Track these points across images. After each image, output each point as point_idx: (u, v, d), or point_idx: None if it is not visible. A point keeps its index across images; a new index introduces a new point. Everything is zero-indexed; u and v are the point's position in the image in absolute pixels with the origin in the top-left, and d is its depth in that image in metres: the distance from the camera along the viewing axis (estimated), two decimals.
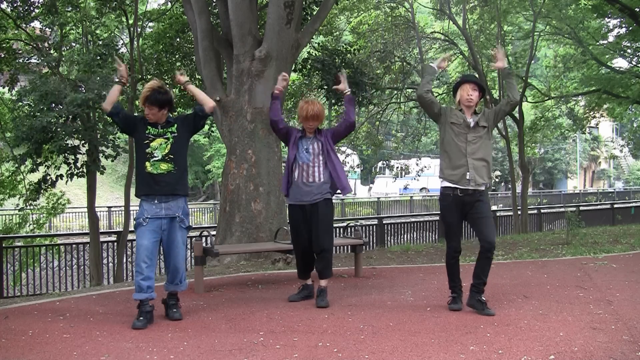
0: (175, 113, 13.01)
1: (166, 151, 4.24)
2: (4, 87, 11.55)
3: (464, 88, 4.44)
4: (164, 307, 4.41)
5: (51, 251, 9.95)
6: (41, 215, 13.94)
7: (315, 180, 4.74)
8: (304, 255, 4.88)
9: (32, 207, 11.81)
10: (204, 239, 6.14)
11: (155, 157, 4.23)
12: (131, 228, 13.63)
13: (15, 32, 11.78)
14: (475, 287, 4.38)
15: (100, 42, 10.47)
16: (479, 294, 4.36)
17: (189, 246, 9.89)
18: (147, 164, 4.22)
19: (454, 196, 4.39)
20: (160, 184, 4.21)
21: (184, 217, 4.33)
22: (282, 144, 9.64)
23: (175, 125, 4.34)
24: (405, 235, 12.94)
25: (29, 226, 13.95)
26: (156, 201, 4.23)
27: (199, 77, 10.91)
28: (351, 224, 8.85)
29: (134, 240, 10.49)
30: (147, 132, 4.27)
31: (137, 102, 11.70)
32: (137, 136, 4.32)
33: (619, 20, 14.85)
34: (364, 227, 11.75)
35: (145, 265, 4.17)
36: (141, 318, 4.13)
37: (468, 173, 4.32)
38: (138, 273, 4.19)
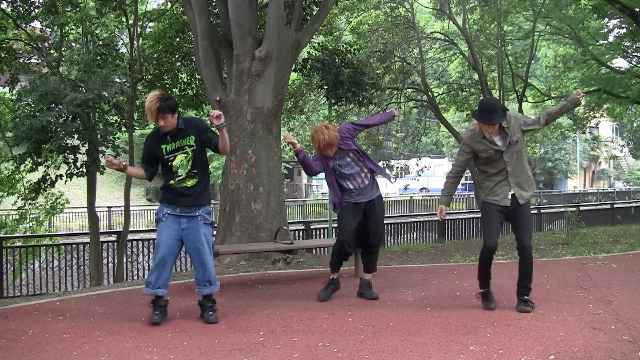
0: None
1: (189, 168, 4.21)
2: (4, 87, 11.55)
3: (485, 127, 4.26)
4: (200, 309, 4.34)
5: (51, 251, 9.95)
6: (40, 213, 13.93)
7: (366, 183, 4.91)
8: (343, 248, 4.90)
9: (31, 206, 11.80)
10: None
11: (180, 176, 4.21)
12: (131, 228, 13.67)
13: (15, 32, 11.77)
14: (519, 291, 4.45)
15: (100, 42, 10.46)
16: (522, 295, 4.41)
17: None
18: (172, 181, 4.23)
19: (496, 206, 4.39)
20: (185, 196, 4.21)
21: (206, 214, 4.29)
22: (282, 144, 9.65)
23: (193, 138, 4.22)
24: (405, 235, 12.94)
25: (27, 223, 13.93)
26: (178, 210, 4.23)
27: (199, 77, 10.92)
28: None
29: (134, 240, 10.55)
30: (165, 152, 4.21)
31: (137, 103, 11.71)
32: (159, 158, 4.27)
33: (619, 20, 14.85)
34: None
35: (159, 261, 4.17)
36: (157, 312, 4.18)
37: (511, 193, 4.33)
38: (153, 269, 4.21)
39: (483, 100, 4.36)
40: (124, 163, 4.29)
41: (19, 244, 10.94)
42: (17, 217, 13.60)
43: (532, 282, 4.42)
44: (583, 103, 19.93)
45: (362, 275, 5.09)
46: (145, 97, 13.05)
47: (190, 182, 4.22)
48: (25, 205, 11.39)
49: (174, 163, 4.21)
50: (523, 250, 4.37)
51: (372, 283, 5.05)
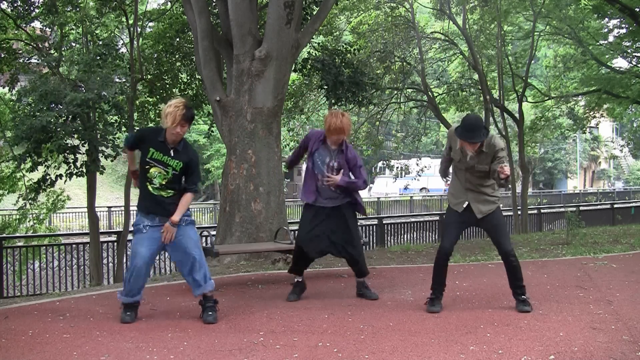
0: None
1: (164, 182, 4.19)
2: (4, 87, 11.55)
3: (466, 144, 4.21)
4: (200, 309, 4.34)
5: (51, 251, 9.95)
6: (41, 212, 13.94)
7: (333, 189, 4.80)
8: (301, 253, 4.87)
9: (32, 205, 11.81)
10: (204, 239, 6.13)
11: (154, 184, 4.20)
12: (131, 228, 13.66)
13: (15, 32, 11.78)
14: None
15: (100, 42, 10.47)
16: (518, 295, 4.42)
17: None
18: (148, 185, 4.21)
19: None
20: (162, 205, 4.20)
21: (185, 217, 4.27)
22: (282, 144, 9.64)
23: (180, 165, 4.19)
24: (405, 235, 12.94)
25: (28, 222, 13.94)
26: (157, 220, 4.22)
27: (199, 77, 10.92)
28: None
29: None
30: (149, 155, 4.18)
31: (137, 103, 11.72)
32: (142, 154, 4.25)
33: (619, 20, 14.85)
34: (364, 227, 11.75)
35: (137, 272, 4.18)
36: (129, 313, 4.26)
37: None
38: (129, 279, 4.22)
39: (466, 117, 4.21)
40: (134, 174, 4.36)
41: (20, 244, 10.95)
42: (19, 216, 13.62)
43: (532, 282, 4.42)
44: (583, 103, 19.97)
45: (356, 278, 5.04)
46: (146, 97, 13.04)
47: (165, 193, 4.21)
48: (25, 205, 11.39)
49: (151, 170, 4.18)
50: (506, 255, 4.36)
51: (367, 283, 5.02)
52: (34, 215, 13.89)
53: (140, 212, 4.26)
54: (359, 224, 6.83)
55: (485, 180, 4.34)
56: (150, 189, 4.20)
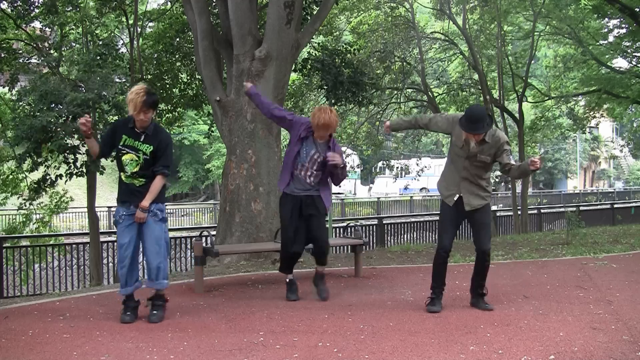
0: (176, 113, 13.07)
1: (135, 170, 4.24)
2: (4, 87, 11.56)
3: (470, 135, 4.21)
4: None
5: (52, 251, 9.95)
6: (45, 213, 13.96)
7: (309, 182, 4.86)
8: (287, 252, 4.92)
9: (34, 207, 11.82)
10: (204, 239, 6.13)
11: (126, 172, 4.27)
12: None
13: (16, 32, 11.78)
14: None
15: (100, 42, 10.47)
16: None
17: (189, 246, 9.93)
18: (122, 174, 4.31)
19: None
20: (135, 194, 4.26)
21: (158, 211, 4.29)
22: (283, 144, 9.66)
23: (150, 148, 4.23)
24: (405, 235, 12.94)
25: (33, 224, 13.97)
26: (132, 207, 4.27)
27: (199, 77, 10.92)
28: (351, 224, 8.84)
29: None
30: (122, 143, 4.24)
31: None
32: (115, 144, 4.32)
33: (619, 20, 14.84)
34: (364, 227, 11.75)
35: (124, 261, 4.25)
36: (128, 313, 4.27)
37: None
38: (120, 274, 4.31)
39: (470, 109, 4.24)
40: (92, 132, 4.30)
41: (21, 244, 10.95)
42: (24, 218, 13.66)
43: (532, 282, 4.42)
44: (583, 103, 19.98)
45: (317, 268, 5.08)
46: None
47: (137, 182, 4.27)
48: (25, 205, 11.39)
49: (123, 158, 4.26)
50: (483, 254, 4.40)
51: (325, 277, 5.10)
52: (38, 218, 13.92)
53: (118, 203, 4.37)
54: (359, 223, 6.80)
55: (483, 172, 4.36)
56: (123, 177, 4.30)
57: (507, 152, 4.29)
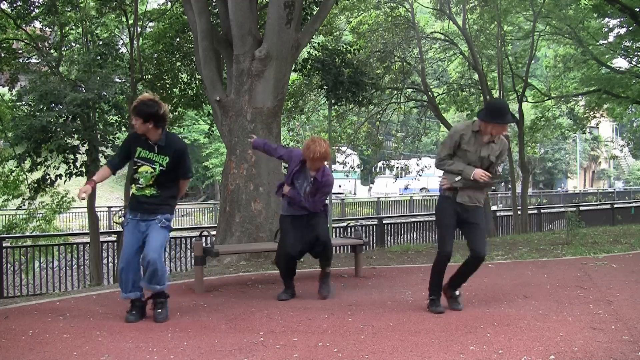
0: (176, 113, 13.06)
1: (150, 182, 4.25)
2: (4, 87, 11.56)
3: (496, 128, 4.17)
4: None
5: (51, 250, 9.95)
6: (46, 213, 13.95)
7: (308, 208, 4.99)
8: (287, 260, 4.98)
9: (36, 205, 11.82)
10: (204, 239, 6.13)
11: (139, 184, 4.28)
12: None
13: (16, 32, 11.78)
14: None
15: (100, 42, 10.47)
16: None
17: (189, 246, 9.93)
18: (134, 186, 4.34)
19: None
20: (144, 205, 4.28)
21: (164, 219, 4.30)
22: (282, 144, 9.66)
23: (167, 159, 4.25)
24: (405, 235, 12.95)
25: (36, 222, 13.96)
26: (138, 217, 4.30)
27: (199, 77, 10.92)
28: (351, 224, 8.85)
29: None
30: (137, 155, 4.26)
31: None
32: (130, 157, 4.34)
33: (619, 20, 14.85)
34: (364, 227, 11.75)
35: (123, 267, 4.25)
36: (133, 312, 4.29)
37: None
38: (119, 276, 4.34)
39: (492, 102, 4.29)
40: (90, 182, 4.28)
41: (20, 244, 10.95)
42: (26, 216, 13.65)
43: (532, 282, 4.42)
44: (583, 103, 19.98)
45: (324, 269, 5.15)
46: None
47: (148, 192, 4.28)
48: (24, 205, 11.39)
49: (139, 170, 4.27)
50: (476, 259, 4.41)
51: (330, 277, 5.16)
52: (40, 217, 13.91)
53: (127, 209, 4.47)
54: (359, 223, 6.79)
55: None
56: (134, 189, 4.34)
57: (503, 159, 4.36)
